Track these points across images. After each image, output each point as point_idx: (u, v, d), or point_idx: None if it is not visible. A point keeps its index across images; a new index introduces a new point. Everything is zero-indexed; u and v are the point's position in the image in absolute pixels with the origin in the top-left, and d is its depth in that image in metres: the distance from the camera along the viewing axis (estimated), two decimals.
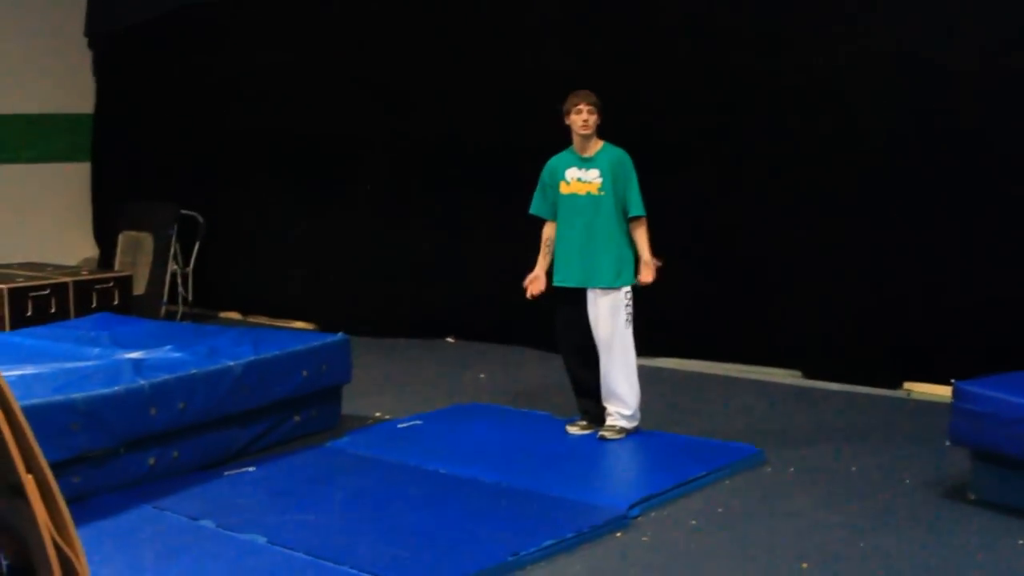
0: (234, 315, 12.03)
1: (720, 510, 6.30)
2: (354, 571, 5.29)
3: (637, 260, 7.26)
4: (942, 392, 8.26)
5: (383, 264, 10.98)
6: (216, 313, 12.07)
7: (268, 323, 11.44)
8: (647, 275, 7.21)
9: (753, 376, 9.21)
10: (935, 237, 8.45)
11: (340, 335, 7.80)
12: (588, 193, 7.22)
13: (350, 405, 8.06)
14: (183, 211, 11.63)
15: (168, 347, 7.35)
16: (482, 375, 9.46)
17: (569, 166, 7.29)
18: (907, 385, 8.71)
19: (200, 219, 11.74)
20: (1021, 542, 5.81)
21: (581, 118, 7.18)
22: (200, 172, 12.05)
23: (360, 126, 11.00)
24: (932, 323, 8.53)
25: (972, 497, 6.38)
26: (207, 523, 5.95)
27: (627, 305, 7.23)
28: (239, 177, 11.86)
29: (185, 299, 11.74)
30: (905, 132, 8.50)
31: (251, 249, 11.86)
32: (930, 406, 8.25)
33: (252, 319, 11.78)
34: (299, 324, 11.26)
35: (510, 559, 5.50)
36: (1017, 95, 8.06)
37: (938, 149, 8.36)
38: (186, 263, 11.78)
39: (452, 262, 10.65)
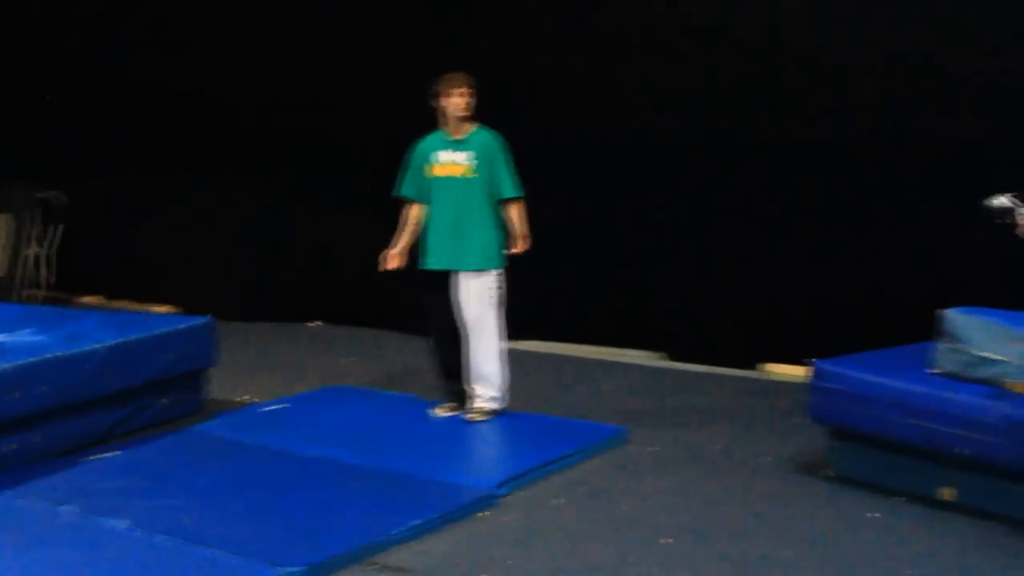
0: (97, 299, 11.83)
1: (585, 489, 6.39)
2: (221, 554, 5.28)
3: (508, 241, 7.32)
4: (797, 372, 8.48)
5: (248, 248, 10.89)
6: (79, 297, 11.85)
7: (132, 307, 11.27)
8: (520, 247, 7.25)
9: (617, 359, 9.34)
10: (790, 223, 8.64)
11: (205, 318, 7.74)
12: (460, 176, 7.25)
13: (216, 389, 7.99)
14: (44, 191, 11.37)
15: (29, 330, 7.23)
16: (348, 358, 9.45)
17: (440, 148, 7.30)
18: (763, 366, 8.90)
19: (62, 199, 11.48)
20: (877, 515, 6.00)
21: (464, 100, 7.19)
22: (62, 151, 11.78)
23: (226, 106, 10.87)
24: (787, 306, 8.74)
25: (829, 473, 6.57)
26: (69, 509, 5.88)
27: (497, 288, 7.28)
28: (103, 157, 11.62)
29: (47, 282, 11.50)
30: (759, 118, 8.68)
31: (115, 232, 11.65)
32: (786, 386, 8.44)
33: (116, 303, 11.60)
34: (163, 308, 11.11)
35: (378, 539, 5.53)
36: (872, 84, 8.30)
37: (789, 133, 8.56)
38: (48, 245, 11.52)
39: (317, 246, 10.61)
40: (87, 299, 11.82)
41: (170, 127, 11.22)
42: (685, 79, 9.00)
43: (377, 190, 9.29)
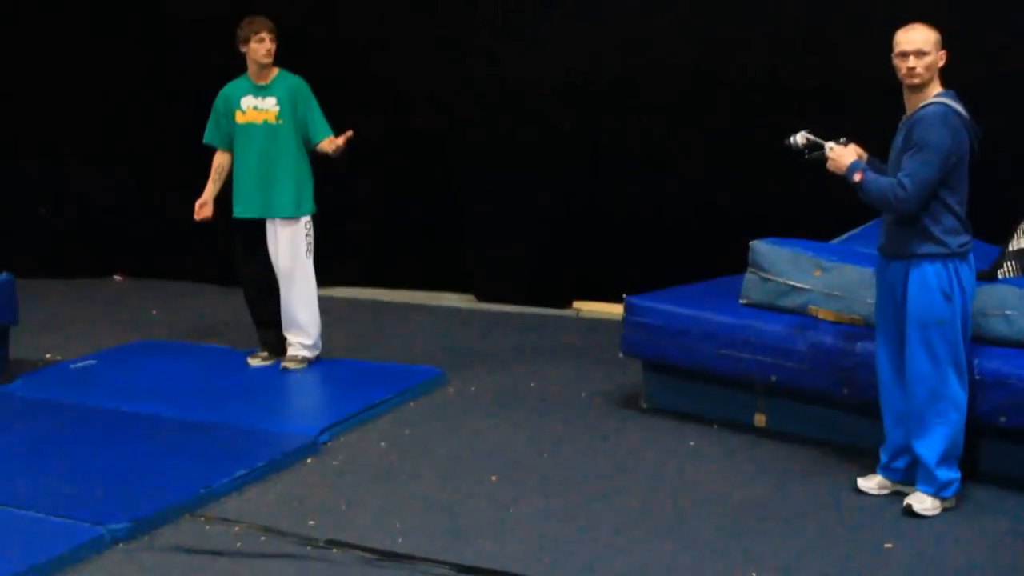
0: None
1: (408, 431, 6.41)
2: (41, 515, 5.13)
3: (316, 189, 7.24)
4: (608, 310, 8.65)
5: (42, 201, 10.51)
6: None
7: None
8: (337, 141, 7.08)
9: (427, 302, 9.35)
10: (596, 165, 8.77)
11: (3, 274, 7.45)
12: (265, 122, 7.12)
13: (17, 348, 7.71)
14: None
15: None
16: (154, 311, 9.24)
17: (244, 94, 7.17)
18: (575, 304, 9.04)
19: None
20: (692, 443, 6.17)
21: (264, 46, 7.05)
22: None
23: (28, 52, 10.46)
24: (598, 245, 8.87)
25: (644, 406, 6.73)
26: None
27: (307, 235, 7.20)
28: None
29: None
30: (559, 57, 8.78)
31: None
32: (600, 323, 8.60)
33: None
34: None
35: (202, 491, 5.46)
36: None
37: (594, 68, 8.68)
38: None
39: (117, 196, 10.31)
40: None
41: None
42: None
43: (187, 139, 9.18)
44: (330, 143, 7.06)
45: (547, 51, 8.84)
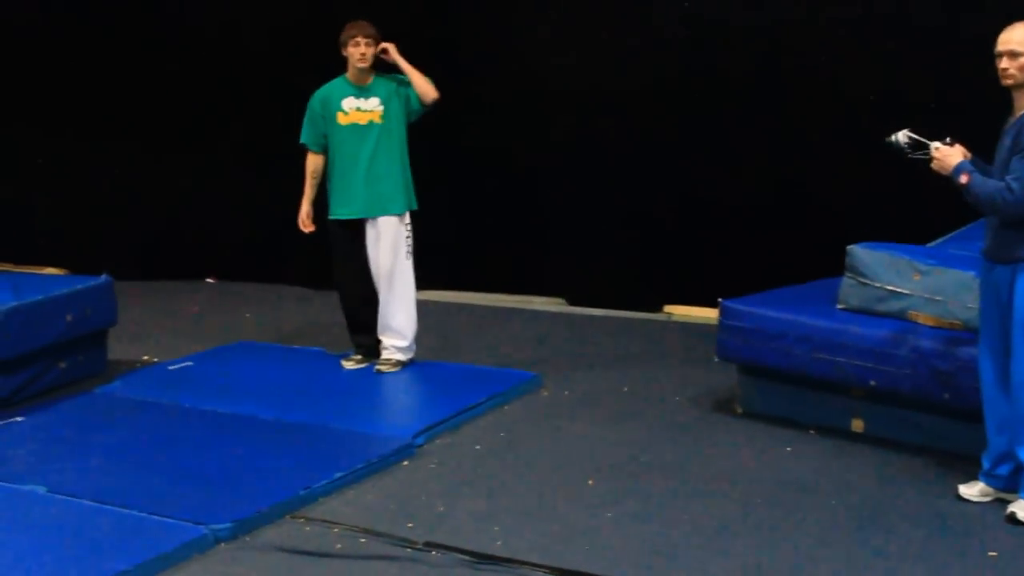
0: None
1: (503, 434, 6.42)
2: (144, 514, 5.20)
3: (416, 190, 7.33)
4: (700, 313, 8.62)
5: (136, 204, 10.66)
6: None
7: (14, 270, 10.98)
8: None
9: (518, 305, 9.36)
10: (686, 166, 8.73)
11: (104, 277, 7.57)
12: (370, 122, 7.18)
13: (116, 350, 7.85)
14: None
15: None
16: (247, 314, 9.34)
17: (345, 96, 7.22)
18: (666, 308, 9.00)
19: None
20: (789, 449, 6.12)
21: (359, 50, 7.12)
22: None
23: (108, 59, 10.62)
24: (688, 248, 8.84)
25: (739, 410, 6.69)
26: None
27: (407, 236, 7.25)
28: None
29: None
30: (640, 64, 8.76)
31: None
32: (691, 327, 8.56)
33: None
34: (49, 270, 10.85)
35: (302, 493, 5.50)
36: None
37: (678, 75, 8.66)
38: None
39: (209, 200, 10.43)
40: None
41: (45, 88, 10.91)
42: (583, 28, 9.03)
43: (269, 143, 9.29)
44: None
45: (633, 49, 8.81)
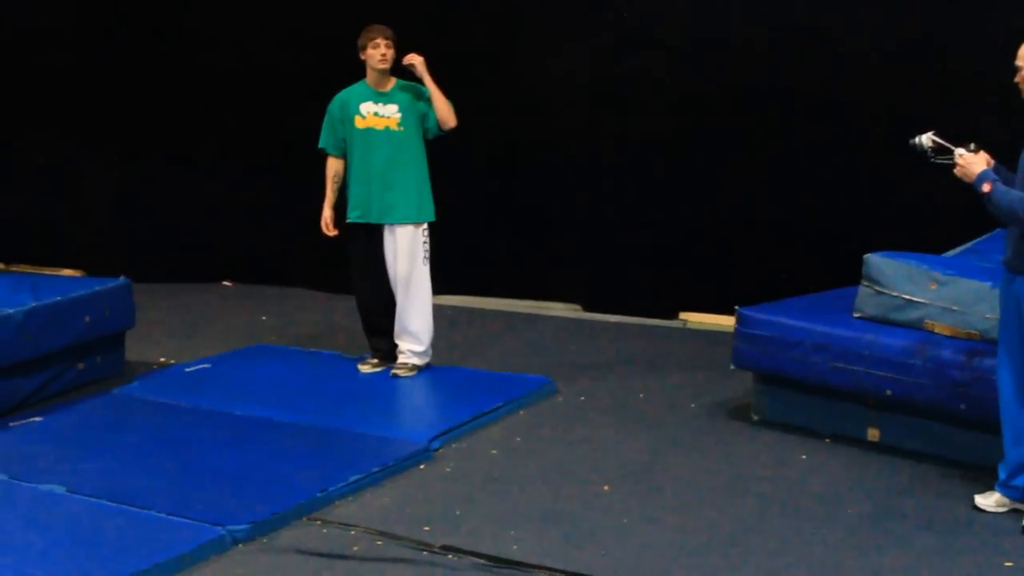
0: None
1: (519, 439, 6.44)
2: (163, 515, 5.24)
3: (433, 196, 7.34)
4: (715, 320, 8.63)
5: (153, 207, 10.69)
6: None
7: (33, 272, 11.02)
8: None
9: (535, 311, 9.38)
10: (702, 173, 8.74)
11: (121, 279, 7.61)
12: (387, 128, 7.20)
13: (133, 351, 7.87)
14: None
15: None
16: (264, 317, 9.36)
17: (364, 100, 7.24)
18: (681, 315, 9.01)
19: None
20: (804, 457, 6.13)
21: (379, 52, 7.14)
22: None
23: (117, 65, 10.65)
24: (703, 256, 8.85)
25: (755, 418, 6.69)
26: None
27: (425, 242, 7.27)
28: None
29: None
30: (661, 69, 8.78)
31: (11, 194, 11.37)
32: (705, 334, 8.57)
33: (15, 268, 11.33)
34: (67, 272, 10.88)
35: (319, 495, 5.53)
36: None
37: (704, 80, 8.66)
38: None
39: (225, 203, 10.46)
40: None
41: (65, 91, 10.96)
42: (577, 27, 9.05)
43: (287, 147, 9.32)
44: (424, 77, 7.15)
45: (650, 56, 8.83)
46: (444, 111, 7.16)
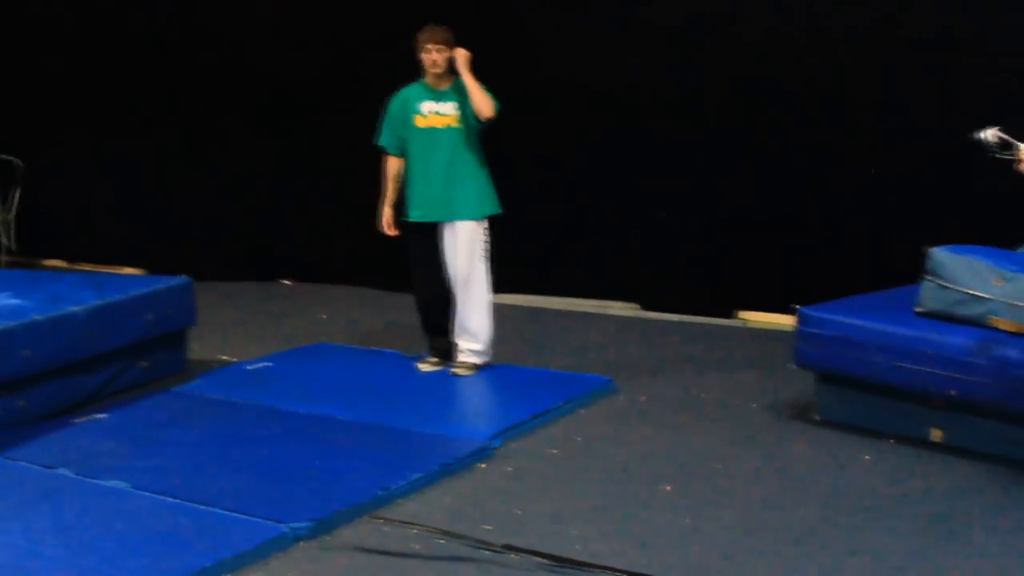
0: (58, 263, 11.69)
1: (579, 438, 6.42)
2: (225, 512, 5.26)
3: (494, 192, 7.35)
4: (774, 320, 8.58)
5: (213, 206, 10.78)
6: (40, 261, 11.70)
7: (95, 270, 11.13)
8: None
9: (594, 310, 9.36)
10: (760, 170, 8.69)
11: (183, 277, 7.67)
12: (447, 126, 7.21)
13: (194, 349, 7.94)
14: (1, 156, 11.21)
15: (7, 294, 7.12)
16: (323, 315, 9.40)
17: (423, 99, 7.26)
18: (740, 314, 8.97)
19: (18, 163, 11.31)
20: (867, 457, 6.07)
21: (430, 57, 7.16)
22: (18, 114, 11.60)
23: (179, 64, 10.74)
24: (762, 254, 8.80)
25: (817, 418, 6.64)
26: (64, 471, 5.80)
27: (485, 240, 7.28)
28: (60, 119, 11.46)
29: (8, 247, 11.34)
30: (722, 65, 8.73)
31: (74, 195, 11.50)
32: (764, 333, 8.52)
33: (78, 267, 11.46)
34: (128, 270, 11.00)
35: (380, 493, 5.53)
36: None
37: (762, 79, 8.61)
38: (7, 209, 11.36)
39: (285, 202, 10.52)
40: (49, 263, 11.68)
41: (125, 90, 11.07)
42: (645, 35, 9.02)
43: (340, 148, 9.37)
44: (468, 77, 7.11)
45: (708, 53, 8.80)
46: (479, 101, 7.12)
